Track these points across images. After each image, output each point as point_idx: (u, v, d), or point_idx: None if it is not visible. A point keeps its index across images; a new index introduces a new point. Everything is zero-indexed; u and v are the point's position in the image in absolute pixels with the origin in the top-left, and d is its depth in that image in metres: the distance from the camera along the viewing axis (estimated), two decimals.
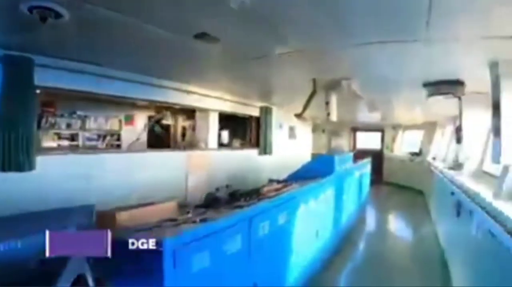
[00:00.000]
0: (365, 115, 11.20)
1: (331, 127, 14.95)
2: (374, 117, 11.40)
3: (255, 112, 8.75)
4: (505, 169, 2.85)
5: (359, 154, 14.72)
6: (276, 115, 9.30)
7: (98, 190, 4.41)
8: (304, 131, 11.67)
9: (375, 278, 4.49)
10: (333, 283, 4.35)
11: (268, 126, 8.86)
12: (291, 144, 10.51)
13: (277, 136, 9.44)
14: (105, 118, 8.28)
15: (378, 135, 14.97)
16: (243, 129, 9.22)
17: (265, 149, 8.81)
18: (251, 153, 8.74)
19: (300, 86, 5.60)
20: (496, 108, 3.18)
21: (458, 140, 5.22)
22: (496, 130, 3.17)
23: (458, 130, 5.14)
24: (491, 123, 3.29)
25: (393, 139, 13.88)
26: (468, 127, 5.06)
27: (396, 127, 13.62)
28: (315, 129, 14.95)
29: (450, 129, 8.37)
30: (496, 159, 3.14)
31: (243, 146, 8.92)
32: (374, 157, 14.31)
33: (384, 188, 13.02)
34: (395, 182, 12.98)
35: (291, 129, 10.56)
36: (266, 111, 8.86)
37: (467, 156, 5.10)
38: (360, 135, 15.69)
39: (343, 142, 15.14)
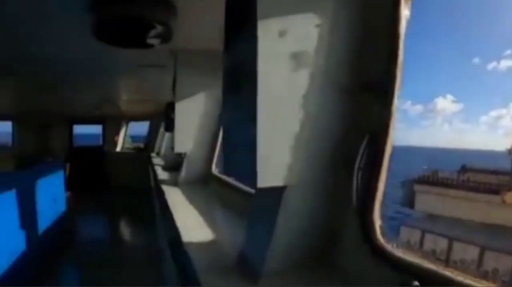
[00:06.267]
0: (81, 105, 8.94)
1: (40, 120, 10.95)
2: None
3: None
4: None
5: (76, 153, 12.05)
6: None
7: None
8: None
9: None
10: None
11: None
12: None
13: None
14: None
15: (99, 127, 12.35)
16: None
17: None
18: None
19: None
20: None
21: (167, 127, 3.66)
22: None
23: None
24: None
25: (116, 133, 11.68)
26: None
27: (119, 118, 11.46)
28: (20, 122, 10.61)
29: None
30: None
31: None
32: (95, 155, 11.82)
33: (106, 192, 10.64)
34: (120, 184, 10.87)
35: None
36: None
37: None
38: (80, 128, 12.51)
39: (56, 138, 11.48)
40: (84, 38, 3.09)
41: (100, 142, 12.49)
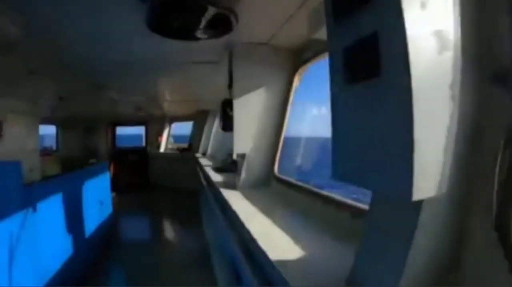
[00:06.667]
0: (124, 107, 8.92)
1: (84, 122, 11.29)
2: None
3: None
4: None
5: (119, 155, 12.26)
6: None
7: None
8: (25, 128, 7.52)
9: None
10: None
11: None
12: None
13: None
14: None
15: (141, 129, 12.50)
16: None
17: None
18: None
19: None
20: None
21: (224, 126, 3.37)
22: None
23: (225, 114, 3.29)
24: None
25: (159, 133, 11.72)
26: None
27: (161, 119, 11.49)
28: (64, 125, 10.98)
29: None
30: None
31: None
32: (138, 156, 11.99)
33: (150, 193, 10.75)
34: (164, 184, 10.94)
35: None
36: None
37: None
38: (121, 130, 12.74)
39: (100, 140, 11.77)
40: (136, 34, 2.94)
41: (143, 143, 12.65)
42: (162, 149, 11.56)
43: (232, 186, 3.38)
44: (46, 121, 10.25)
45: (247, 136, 3.24)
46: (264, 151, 3.37)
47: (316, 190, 2.36)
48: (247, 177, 3.31)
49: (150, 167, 11.69)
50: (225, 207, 2.93)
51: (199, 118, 9.80)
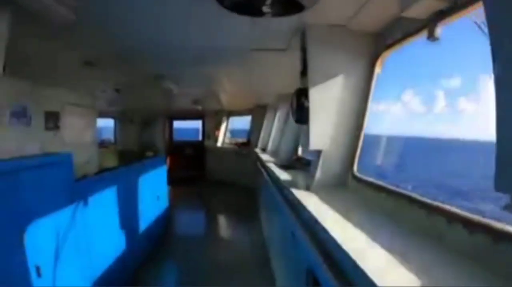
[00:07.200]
0: (181, 100, 8.91)
1: (141, 115, 11.66)
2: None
3: None
4: None
5: (176, 148, 12.51)
6: (4, 92, 5.04)
7: None
8: (83, 120, 7.71)
9: None
10: None
11: None
12: (49, 140, 6.37)
13: (6, 128, 5.14)
14: None
15: (198, 123, 12.64)
16: None
17: None
18: None
19: None
20: None
21: (298, 118, 2.95)
22: None
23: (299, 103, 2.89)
24: None
25: (216, 127, 11.74)
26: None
27: (219, 113, 11.48)
28: (122, 118, 11.43)
29: (285, 110, 6.49)
30: None
31: None
32: (195, 150, 12.14)
33: (206, 187, 10.79)
34: (220, 179, 10.93)
35: (51, 116, 6.38)
36: None
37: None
38: (177, 123, 13.00)
39: (156, 133, 12.08)
40: (199, 16, 2.75)
41: (199, 137, 12.78)
42: (219, 144, 11.56)
43: (302, 185, 3.02)
44: (105, 114, 10.70)
45: (324, 130, 2.85)
46: (342, 148, 2.95)
47: (416, 196, 1.92)
48: (323, 176, 2.93)
49: (207, 161, 11.76)
50: (297, 208, 2.59)
51: (258, 112, 9.58)
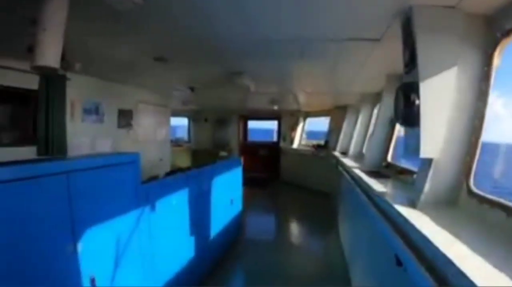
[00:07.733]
0: (257, 99, 8.70)
1: (215, 115, 11.86)
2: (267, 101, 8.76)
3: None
4: None
5: (250, 149, 12.47)
6: (78, 89, 5.25)
7: None
8: (156, 118, 7.93)
9: None
10: None
11: (55, 108, 4.58)
12: (122, 137, 6.61)
13: (80, 124, 5.35)
14: None
15: (274, 123, 12.45)
16: (22, 113, 4.62)
17: (47, 147, 4.45)
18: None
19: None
20: None
21: (406, 119, 2.42)
22: None
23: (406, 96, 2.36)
24: None
25: (292, 129, 11.40)
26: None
27: (295, 114, 11.12)
28: (195, 117, 11.76)
29: (368, 111, 5.90)
30: None
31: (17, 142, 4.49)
32: (269, 151, 11.98)
33: (280, 190, 10.51)
34: (295, 182, 10.57)
35: (124, 114, 6.61)
36: (50, 81, 4.46)
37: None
38: (252, 123, 12.99)
39: (230, 133, 12.17)
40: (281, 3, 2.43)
41: (273, 138, 12.58)
42: (295, 145, 11.21)
43: (404, 199, 2.53)
44: (179, 112, 10.99)
45: (437, 133, 2.33)
46: (457, 156, 2.39)
47: None
48: (432, 190, 2.40)
49: (282, 163, 11.50)
50: (401, 228, 2.13)
51: (336, 114, 9.01)
